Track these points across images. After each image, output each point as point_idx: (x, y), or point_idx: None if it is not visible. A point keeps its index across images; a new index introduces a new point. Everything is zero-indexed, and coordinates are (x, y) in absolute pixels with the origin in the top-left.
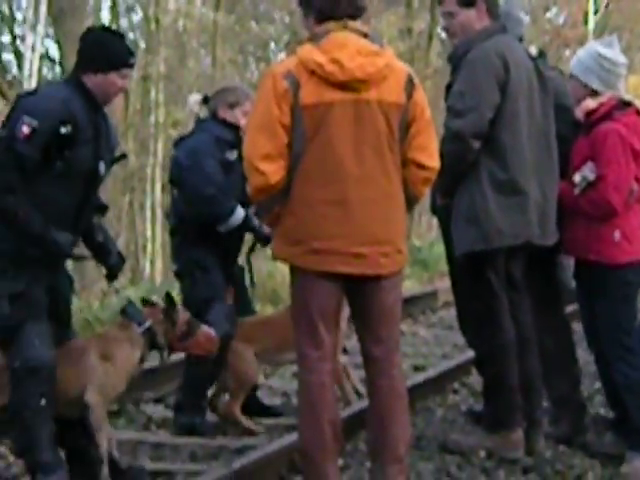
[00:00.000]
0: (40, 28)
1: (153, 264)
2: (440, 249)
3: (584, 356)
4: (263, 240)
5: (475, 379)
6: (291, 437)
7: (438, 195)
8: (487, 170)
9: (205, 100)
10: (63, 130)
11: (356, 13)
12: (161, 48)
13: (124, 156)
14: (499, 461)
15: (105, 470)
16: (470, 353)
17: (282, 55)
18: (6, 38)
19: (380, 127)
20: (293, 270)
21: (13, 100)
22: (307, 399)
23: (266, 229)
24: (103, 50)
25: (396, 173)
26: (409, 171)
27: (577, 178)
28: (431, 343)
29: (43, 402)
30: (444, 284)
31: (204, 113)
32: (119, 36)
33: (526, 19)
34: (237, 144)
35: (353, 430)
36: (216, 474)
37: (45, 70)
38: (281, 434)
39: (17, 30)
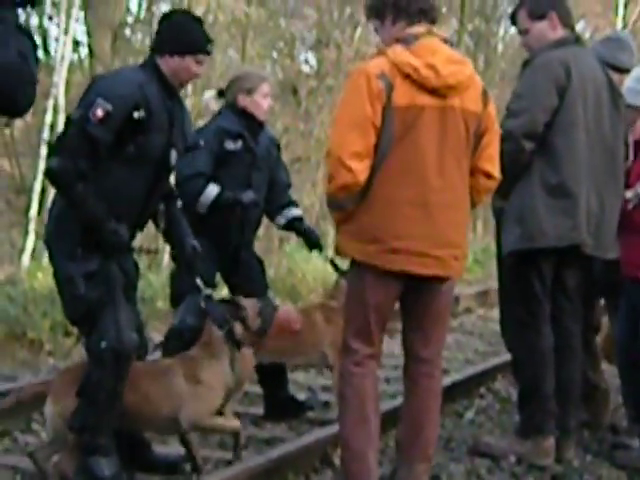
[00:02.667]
0: (74, 11)
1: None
2: None
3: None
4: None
5: (501, 385)
6: (324, 430)
7: (495, 197)
8: (539, 172)
9: (220, 93)
10: (136, 115)
11: (435, 17)
12: None
13: (197, 146)
14: (529, 467)
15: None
16: (494, 359)
17: (308, 54)
18: (34, 20)
19: (461, 134)
20: (356, 267)
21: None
22: (353, 389)
23: (246, 197)
24: (182, 33)
25: (467, 180)
26: (476, 180)
27: (629, 194)
28: (453, 348)
29: (119, 386)
30: (465, 290)
31: (220, 107)
32: (198, 21)
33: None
34: (242, 134)
35: (385, 428)
36: (252, 463)
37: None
38: (306, 428)
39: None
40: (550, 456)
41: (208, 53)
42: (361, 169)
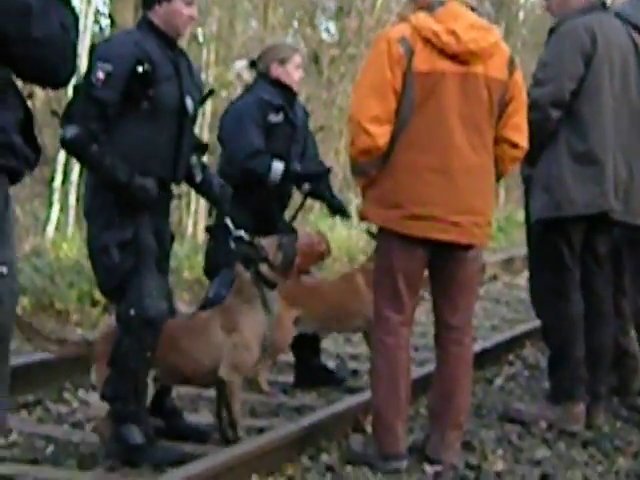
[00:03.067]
0: None
1: (196, 223)
2: None
3: None
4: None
5: (529, 352)
6: (354, 399)
7: (523, 165)
8: (566, 140)
9: (252, 64)
10: (140, 69)
11: None
12: (214, 8)
13: (212, 92)
14: (559, 433)
15: (239, 433)
16: (522, 326)
17: (329, 23)
18: None
19: (483, 101)
20: (382, 233)
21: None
22: (385, 361)
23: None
24: None
25: (491, 148)
26: (501, 149)
27: None
28: (480, 315)
29: (149, 354)
30: (491, 258)
31: (252, 77)
32: None
33: None
34: (283, 106)
35: (416, 395)
36: (285, 430)
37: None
38: (336, 396)
39: None
40: (580, 422)
41: None
42: (380, 133)
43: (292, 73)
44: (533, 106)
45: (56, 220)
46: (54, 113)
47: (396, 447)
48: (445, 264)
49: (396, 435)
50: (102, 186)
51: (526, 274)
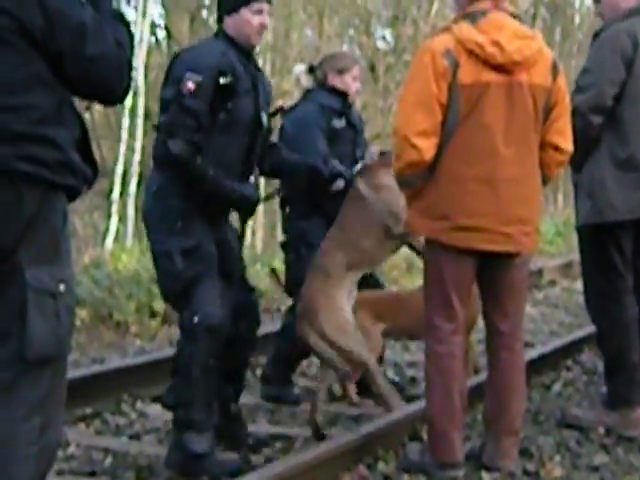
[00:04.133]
0: None
1: (255, 232)
2: (546, 228)
3: None
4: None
5: (587, 357)
6: (412, 406)
7: (571, 172)
8: (608, 146)
9: (310, 70)
10: (222, 80)
11: None
12: (270, 18)
13: (281, 109)
14: (618, 438)
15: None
16: (580, 331)
17: (385, 31)
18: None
19: (529, 109)
20: (430, 244)
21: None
22: (438, 369)
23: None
24: None
25: (537, 154)
26: (546, 153)
27: None
28: (538, 320)
29: (212, 362)
30: (549, 263)
31: (310, 83)
32: None
33: None
34: (344, 112)
35: (473, 402)
36: (343, 439)
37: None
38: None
39: None
40: (638, 427)
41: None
42: (427, 147)
43: (349, 84)
44: (574, 112)
45: (115, 232)
46: (155, 127)
47: (452, 455)
48: (493, 271)
49: (452, 443)
50: (166, 193)
51: None
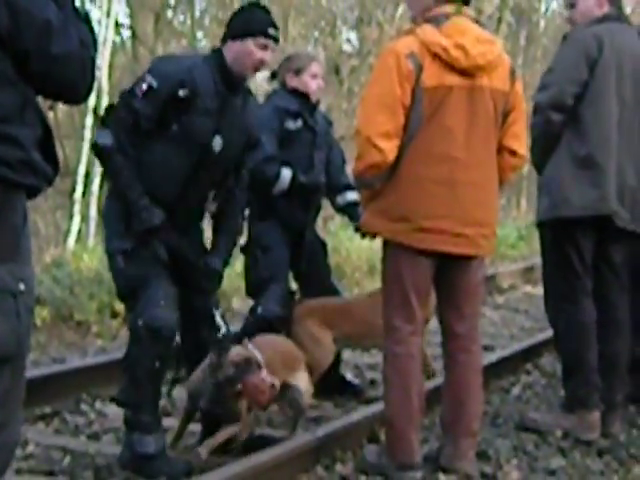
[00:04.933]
0: None
1: None
2: (504, 232)
3: None
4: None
5: (547, 361)
6: (370, 408)
7: (537, 174)
8: (567, 144)
9: (273, 75)
10: (181, 93)
11: None
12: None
13: (256, 144)
14: (575, 441)
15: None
16: (540, 335)
17: (350, 33)
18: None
19: (489, 113)
20: (389, 245)
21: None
22: (396, 370)
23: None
24: (243, 17)
25: (495, 158)
26: (502, 157)
27: None
28: (498, 324)
29: (157, 364)
30: (511, 267)
31: (273, 87)
32: (263, 8)
33: None
34: (301, 113)
35: (431, 405)
36: (301, 440)
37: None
38: (353, 406)
39: None
40: (596, 430)
41: (270, 37)
42: (390, 148)
43: (308, 82)
44: (535, 109)
45: (77, 231)
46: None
47: (410, 457)
48: (450, 273)
49: (410, 445)
50: (114, 195)
51: None
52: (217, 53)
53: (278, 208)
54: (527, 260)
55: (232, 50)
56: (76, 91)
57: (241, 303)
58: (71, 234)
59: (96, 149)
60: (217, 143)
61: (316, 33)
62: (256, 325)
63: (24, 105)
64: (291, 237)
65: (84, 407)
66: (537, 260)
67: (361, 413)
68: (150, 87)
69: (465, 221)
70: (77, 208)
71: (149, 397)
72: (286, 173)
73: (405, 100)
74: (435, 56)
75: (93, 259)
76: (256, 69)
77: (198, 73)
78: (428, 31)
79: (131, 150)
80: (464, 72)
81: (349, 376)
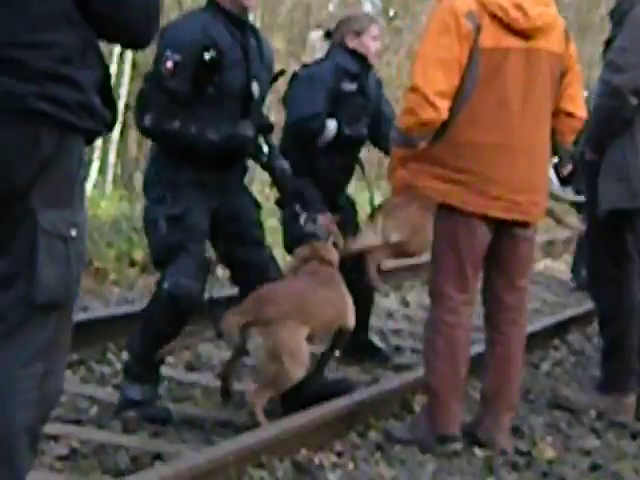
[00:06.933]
0: None
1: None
2: None
3: None
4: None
5: (574, 338)
6: (403, 376)
7: (587, 149)
8: None
9: (327, 35)
10: (207, 56)
11: None
12: None
13: (283, 72)
14: (609, 423)
15: None
16: (567, 312)
17: None
18: None
19: (546, 76)
20: (444, 210)
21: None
22: (445, 340)
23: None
24: None
25: (549, 123)
26: (560, 120)
27: None
28: None
29: (169, 329)
30: None
31: (325, 47)
32: None
33: None
34: (359, 76)
35: None
36: (336, 405)
37: None
38: (379, 372)
39: None
40: (630, 413)
41: None
42: (445, 107)
43: (368, 44)
44: (612, 92)
45: (95, 178)
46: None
47: (452, 428)
48: (502, 241)
49: (453, 416)
50: (159, 162)
51: (566, 258)
52: (213, 4)
53: (318, 165)
54: (548, 233)
55: None
56: (139, 35)
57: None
58: (89, 180)
59: (147, 132)
60: (255, 89)
61: None
62: None
63: (85, 47)
64: (327, 196)
65: (110, 356)
66: (558, 234)
67: (393, 381)
68: (176, 63)
69: (521, 187)
70: (96, 154)
71: (151, 354)
72: (331, 124)
73: (462, 60)
74: (494, 16)
75: (110, 206)
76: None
77: (213, 30)
78: None
79: (183, 114)
80: (522, 33)
81: (375, 340)
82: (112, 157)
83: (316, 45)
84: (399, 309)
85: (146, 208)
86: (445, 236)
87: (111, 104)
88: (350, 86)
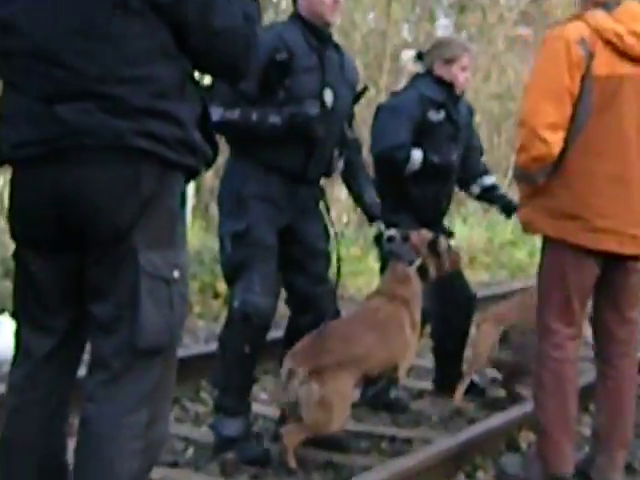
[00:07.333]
0: None
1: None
2: None
3: None
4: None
5: None
6: (509, 413)
7: None
8: None
9: (419, 56)
10: (278, 57)
11: None
12: None
13: (366, 89)
14: None
15: None
16: None
17: (444, 20)
18: None
19: None
20: (554, 244)
21: None
22: (553, 375)
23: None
24: None
25: None
26: None
27: None
28: None
29: (247, 349)
30: None
31: (418, 69)
32: None
33: None
34: (446, 104)
35: None
36: (443, 445)
37: None
38: (479, 408)
39: None
40: None
41: None
42: (556, 141)
43: (457, 74)
44: None
45: None
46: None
47: (564, 467)
48: (613, 274)
49: (564, 454)
50: (231, 175)
51: None
52: (295, 13)
53: (410, 195)
54: None
55: (304, 5)
56: (237, 68)
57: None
58: None
59: (220, 129)
60: (328, 96)
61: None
62: None
63: (184, 80)
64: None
65: (204, 395)
66: None
67: (500, 418)
68: None
69: (635, 220)
70: None
71: (236, 381)
72: (417, 153)
73: (574, 89)
74: (607, 43)
75: (192, 238)
76: (334, 11)
77: (289, 36)
78: (600, 16)
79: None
80: (634, 59)
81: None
82: (190, 187)
83: (407, 66)
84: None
85: (219, 224)
86: (553, 269)
87: (211, 139)
88: (437, 115)
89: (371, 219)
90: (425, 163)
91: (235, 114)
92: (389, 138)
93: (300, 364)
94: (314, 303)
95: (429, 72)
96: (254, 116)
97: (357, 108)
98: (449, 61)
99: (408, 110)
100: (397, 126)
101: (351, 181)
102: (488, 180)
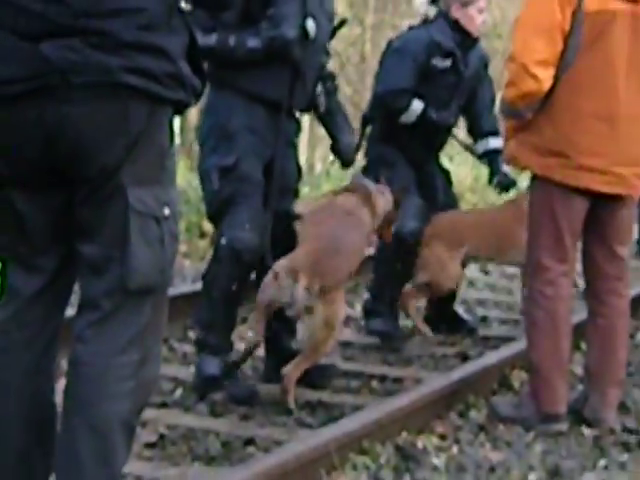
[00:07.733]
0: None
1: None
2: None
3: None
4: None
5: None
6: (501, 352)
7: None
8: None
9: (433, 0)
10: None
11: None
12: None
13: (344, 22)
14: None
15: None
16: None
17: None
18: None
19: None
20: (540, 181)
21: None
22: (545, 313)
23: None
24: None
25: None
26: None
27: None
28: None
29: (234, 287)
30: None
31: (431, 13)
32: None
33: None
34: (455, 52)
35: None
36: (435, 385)
37: None
38: (470, 346)
39: None
40: None
41: None
42: (546, 77)
43: (474, 16)
44: None
45: None
46: None
47: (557, 406)
48: (601, 212)
49: (557, 393)
50: (212, 110)
51: None
52: None
53: (400, 139)
54: None
55: None
56: None
57: None
58: None
59: (206, 53)
60: (311, 27)
61: None
62: (395, 241)
63: (170, 11)
64: (413, 164)
65: (191, 335)
66: None
67: (491, 357)
68: None
69: (623, 160)
70: None
71: (221, 319)
72: (417, 105)
73: (565, 25)
74: None
75: (178, 177)
76: None
77: None
78: None
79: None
80: None
81: (460, 311)
82: (176, 125)
83: (420, 9)
84: (480, 278)
85: (201, 160)
86: (542, 208)
87: (199, 70)
88: (442, 63)
89: (345, 164)
90: (422, 117)
91: (212, 39)
92: (394, 81)
93: (308, 276)
94: (280, 241)
95: (445, 16)
96: (232, 41)
97: (342, 45)
98: (466, 3)
99: (414, 54)
100: (403, 70)
101: (327, 118)
102: (493, 143)
